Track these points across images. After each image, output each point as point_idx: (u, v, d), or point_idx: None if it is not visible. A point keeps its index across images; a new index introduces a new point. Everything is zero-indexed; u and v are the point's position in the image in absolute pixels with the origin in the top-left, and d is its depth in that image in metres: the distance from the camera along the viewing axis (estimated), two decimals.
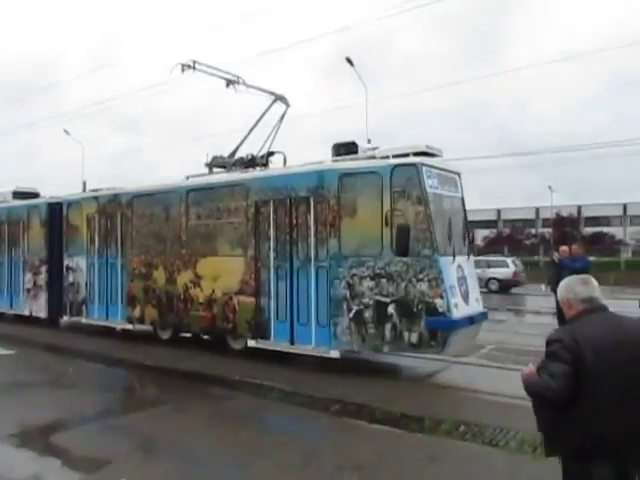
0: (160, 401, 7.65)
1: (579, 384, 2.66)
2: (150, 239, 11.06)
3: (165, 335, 11.00)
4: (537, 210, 61.11)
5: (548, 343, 2.85)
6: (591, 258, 14.40)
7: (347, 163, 8.45)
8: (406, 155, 8.24)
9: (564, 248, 11.90)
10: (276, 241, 8.97)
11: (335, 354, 8.18)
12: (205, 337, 10.52)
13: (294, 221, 8.75)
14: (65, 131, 30.71)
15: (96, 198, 12.19)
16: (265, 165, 10.63)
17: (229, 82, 11.57)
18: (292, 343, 8.68)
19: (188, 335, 10.81)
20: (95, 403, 7.41)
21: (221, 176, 10.33)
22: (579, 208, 59.11)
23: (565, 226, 53.67)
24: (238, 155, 11.01)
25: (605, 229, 56.06)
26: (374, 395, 7.02)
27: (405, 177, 7.90)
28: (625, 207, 60.04)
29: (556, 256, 11.88)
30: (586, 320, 2.83)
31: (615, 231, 56.37)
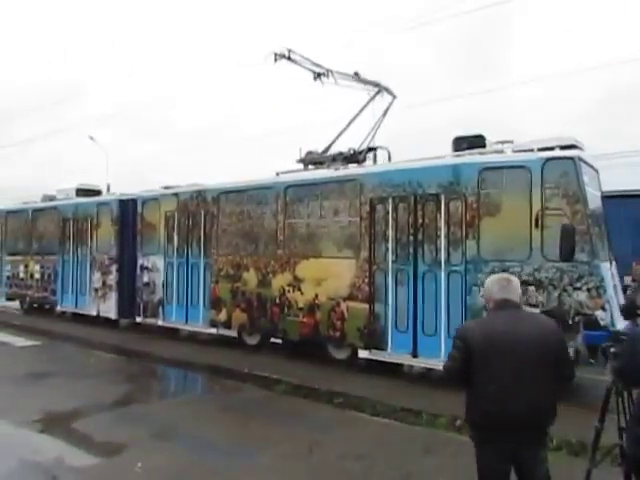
0: (175, 392, 8.01)
1: (472, 368, 2.90)
2: (239, 238, 9.91)
3: (252, 341, 9.84)
4: None
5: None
6: None
7: (489, 156, 7.24)
8: (551, 148, 7.01)
9: None
10: (396, 242, 7.78)
11: None
12: (296, 343, 9.38)
13: (419, 220, 7.57)
14: (90, 137, 29.33)
15: (176, 195, 11.06)
16: (363, 161, 9.47)
17: (318, 75, 10.45)
18: (415, 355, 7.48)
19: (277, 341, 9.70)
20: (114, 393, 7.44)
21: (325, 171, 9.13)
22: None
23: None
24: (332, 151, 9.87)
25: None
26: (375, 390, 7.08)
27: (559, 172, 6.68)
28: None
29: None
30: (493, 315, 3.11)
31: None
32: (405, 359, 7.63)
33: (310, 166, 9.87)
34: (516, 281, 3.17)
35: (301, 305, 8.76)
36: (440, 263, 7.32)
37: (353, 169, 8.73)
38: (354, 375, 7.84)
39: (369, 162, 9.46)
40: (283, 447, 5.37)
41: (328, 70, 10.28)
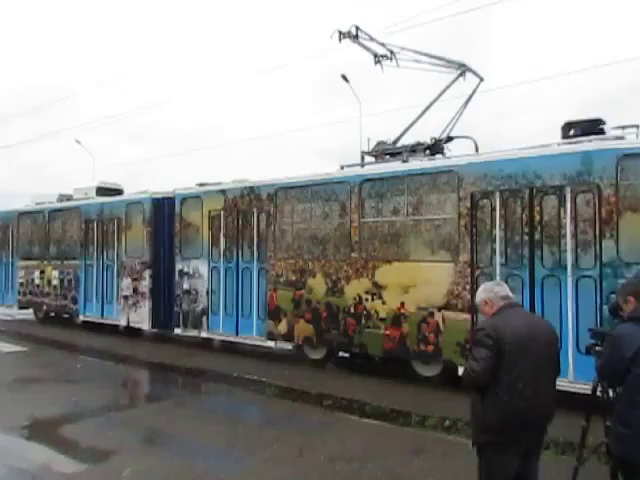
0: (163, 396, 7.74)
1: (500, 366, 2.84)
2: (302, 240, 8.75)
3: (316, 355, 8.69)
4: None
5: (474, 333, 3.12)
6: None
7: (629, 141, 6.19)
8: None
9: None
10: (505, 243, 6.69)
11: None
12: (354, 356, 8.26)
13: (536, 217, 6.48)
14: (77, 141, 28.03)
15: (223, 192, 9.85)
16: (439, 153, 8.37)
17: (379, 58, 9.36)
18: None
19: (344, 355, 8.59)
20: (102, 398, 7.34)
21: (398, 163, 7.98)
22: None
23: None
24: (402, 142, 8.76)
25: None
26: (364, 391, 7.01)
27: None
28: None
29: None
30: (506, 313, 3.06)
31: None
32: None
33: (371, 158, 8.76)
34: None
35: (383, 315, 7.63)
36: (565, 267, 6.23)
37: (449, 159, 7.59)
38: (342, 377, 7.84)
39: (447, 153, 8.40)
40: (273, 450, 5.30)
41: (392, 53, 9.19)
